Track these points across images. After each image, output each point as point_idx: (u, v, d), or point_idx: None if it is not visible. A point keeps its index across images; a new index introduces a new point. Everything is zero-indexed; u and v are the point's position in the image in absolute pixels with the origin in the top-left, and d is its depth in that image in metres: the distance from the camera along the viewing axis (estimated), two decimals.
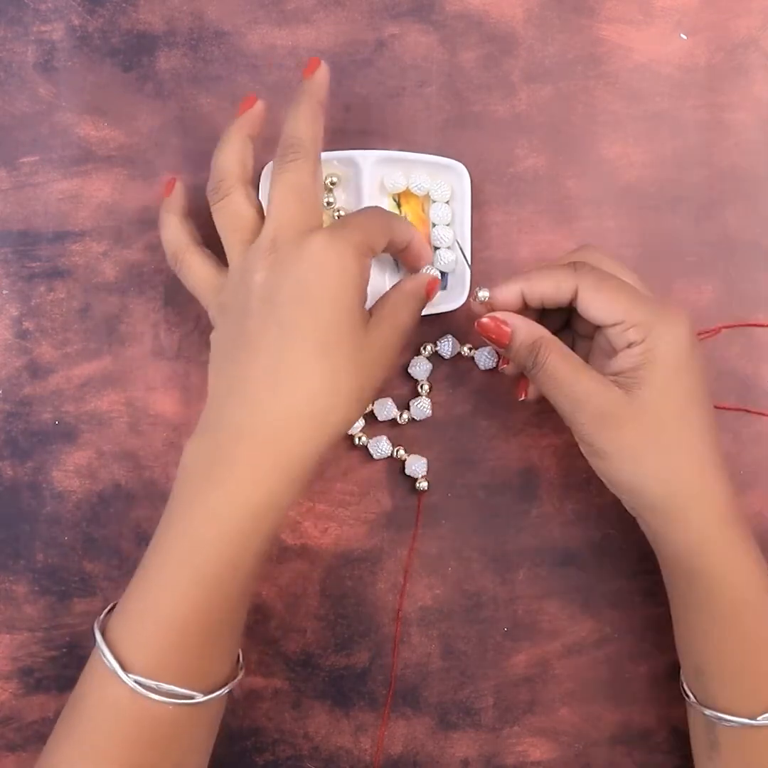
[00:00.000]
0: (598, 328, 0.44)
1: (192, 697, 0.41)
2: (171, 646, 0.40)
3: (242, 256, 0.44)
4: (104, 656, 0.40)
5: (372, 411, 0.52)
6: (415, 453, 0.52)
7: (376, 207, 0.48)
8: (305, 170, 0.44)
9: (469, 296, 0.50)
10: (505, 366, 0.49)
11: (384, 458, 0.52)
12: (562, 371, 0.43)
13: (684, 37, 0.53)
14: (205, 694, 0.41)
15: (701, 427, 0.43)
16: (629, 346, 0.42)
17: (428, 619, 0.53)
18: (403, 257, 0.49)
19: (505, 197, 0.53)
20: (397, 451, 0.52)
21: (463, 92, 0.53)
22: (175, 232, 0.48)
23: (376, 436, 0.52)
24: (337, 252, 0.42)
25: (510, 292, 0.45)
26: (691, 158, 0.53)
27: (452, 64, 0.53)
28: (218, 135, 0.52)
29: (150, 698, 0.40)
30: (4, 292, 0.52)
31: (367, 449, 0.52)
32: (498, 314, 0.44)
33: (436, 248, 0.52)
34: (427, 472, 0.52)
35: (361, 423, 0.52)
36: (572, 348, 0.48)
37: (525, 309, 0.45)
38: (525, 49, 0.53)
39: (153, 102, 0.53)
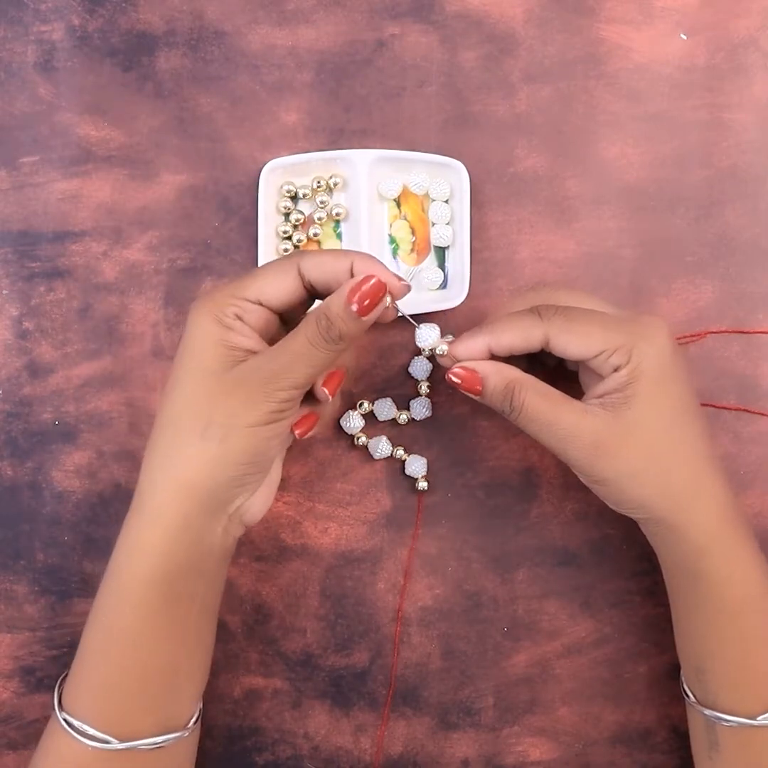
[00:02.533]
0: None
1: (108, 742, 0.42)
2: (99, 694, 0.43)
3: None
4: (54, 709, 0.44)
5: (372, 411, 0.52)
6: (415, 453, 0.52)
7: (274, 261, 0.44)
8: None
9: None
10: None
11: (384, 458, 0.52)
12: (542, 412, 0.42)
13: (684, 37, 0.53)
14: (122, 741, 0.42)
15: (694, 431, 0.43)
16: (616, 369, 0.42)
17: (428, 619, 0.53)
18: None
19: (505, 197, 0.53)
20: (397, 451, 0.52)
21: (463, 92, 0.53)
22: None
23: (376, 436, 0.52)
24: (192, 317, 0.42)
25: (475, 346, 0.44)
26: (691, 158, 0.53)
27: (452, 64, 0.53)
28: (218, 135, 0.53)
29: (71, 736, 0.42)
30: (4, 292, 0.52)
31: (367, 449, 0.52)
32: (466, 363, 0.44)
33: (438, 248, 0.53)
34: (427, 472, 0.52)
35: (360, 423, 0.52)
36: (560, 366, 0.48)
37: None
38: (525, 49, 0.53)
39: (153, 102, 0.53)
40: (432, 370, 0.52)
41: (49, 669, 0.52)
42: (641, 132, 0.53)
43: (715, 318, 0.53)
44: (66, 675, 0.45)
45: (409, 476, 0.52)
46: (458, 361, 0.44)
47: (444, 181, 0.52)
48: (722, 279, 0.53)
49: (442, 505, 0.53)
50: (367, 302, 0.41)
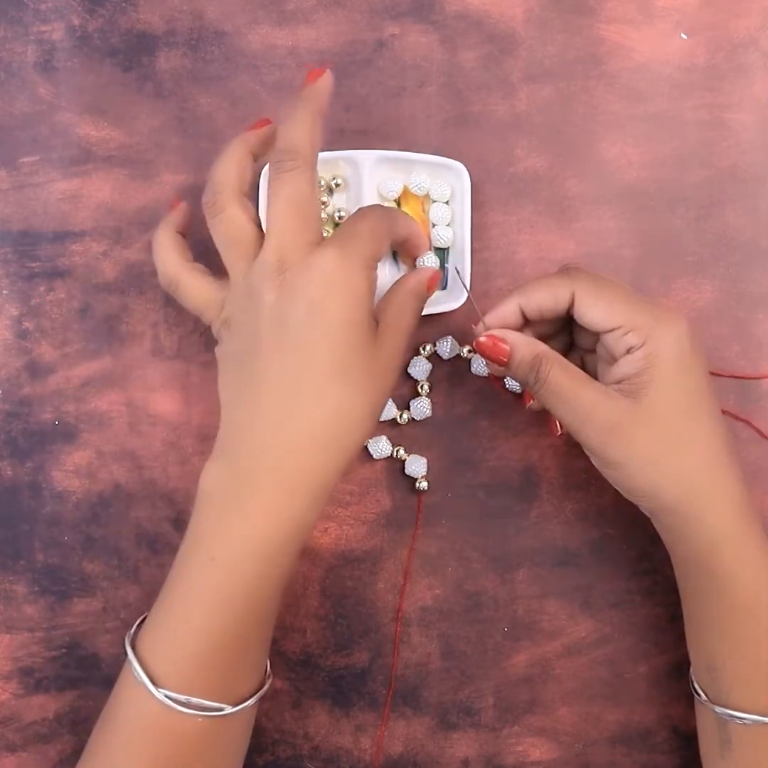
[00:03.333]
0: (598, 338, 0.44)
1: (221, 709, 0.41)
2: (202, 662, 0.41)
3: (245, 273, 0.43)
4: (135, 671, 0.41)
5: None
6: (415, 453, 0.52)
7: (376, 208, 0.46)
8: (304, 180, 0.42)
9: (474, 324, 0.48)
10: (531, 402, 0.48)
11: (384, 458, 0.52)
12: (565, 386, 0.43)
13: (684, 37, 0.53)
14: (234, 706, 0.42)
15: (710, 424, 0.43)
16: (629, 351, 0.42)
17: (428, 619, 0.53)
18: (402, 248, 0.49)
19: (505, 197, 0.53)
20: (397, 451, 0.52)
21: (463, 92, 0.53)
22: (166, 253, 0.46)
23: (376, 436, 0.52)
24: (347, 269, 0.41)
25: (507, 308, 0.44)
26: (691, 158, 0.53)
27: (452, 64, 0.53)
28: (218, 135, 0.53)
29: (180, 712, 0.40)
30: (4, 292, 0.52)
31: (367, 449, 0.52)
32: (496, 332, 0.44)
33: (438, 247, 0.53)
34: (427, 472, 0.52)
35: None
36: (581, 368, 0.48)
37: (525, 327, 0.45)
38: (525, 49, 0.53)
39: (153, 102, 0.53)
40: (432, 370, 0.52)
41: (48, 670, 0.52)
42: (641, 132, 0.53)
43: (715, 318, 0.53)
44: (139, 624, 0.43)
45: (409, 476, 0.52)
46: (488, 328, 0.44)
47: (444, 182, 0.52)
48: (722, 279, 0.53)
49: (442, 505, 0.53)
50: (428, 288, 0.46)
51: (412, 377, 0.53)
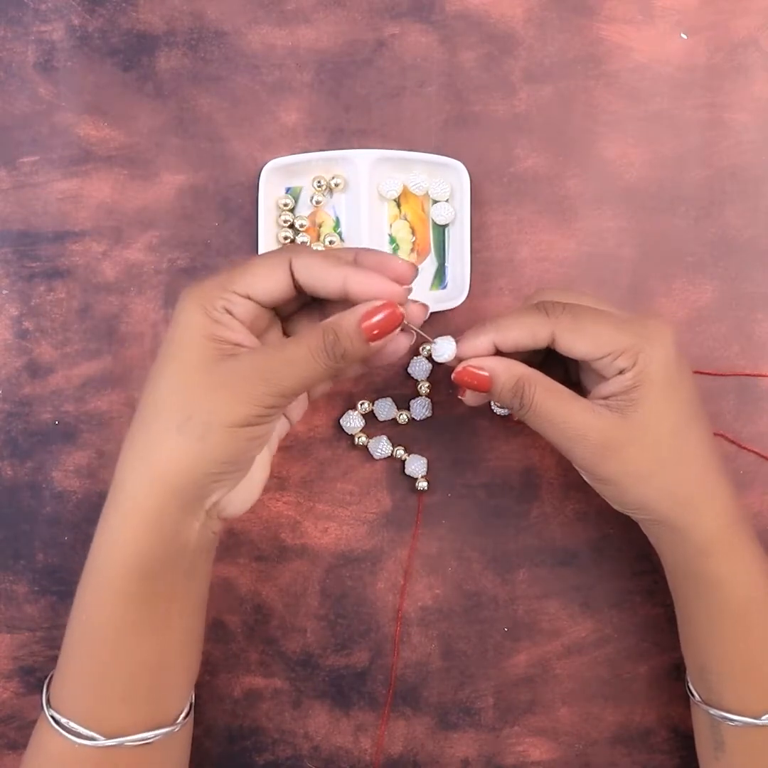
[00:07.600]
0: None
1: (94, 739, 0.42)
2: (81, 688, 0.43)
3: None
4: (42, 702, 0.44)
5: (372, 411, 0.52)
6: (415, 453, 0.52)
7: (267, 253, 0.43)
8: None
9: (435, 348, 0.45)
10: (462, 396, 0.46)
11: (384, 458, 0.52)
12: (551, 409, 0.42)
13: (684, 37, 0.53)
14: (108, 738, 0.42)
15: (699, 435, 0.43)
16: (620, 372, 0.42)
17: (428, 619, 0.53)
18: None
19: (505, 197, 0.53)
20: (397, 451, 0.52)
21: (463, 92, 0.53)
22: None
23: (376, 436, 0.52)
24: (180, 306, 0.41)
25: (480, 344, 0.43)
26: (691, 158, 0.53)
27: (452, 64, 0.53)
28: (218, 135, 0.53)
29: (59, 733, 0.42)
30: (4, 292, 0.53)
31: (367, 449, 0.52)
32: (472, 361, 0.43)
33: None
34: (427, 472, 0.52)
35: (360, 423, 0.52)
36: (567, 371, 0.47)
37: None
38: (525, 49, 0.53)
39: (153, 102, 0.53)
40: (432, 370, 0.52)
41: (49, 669, 0.52)
42: (641, 132, 0.53)
43: (715, 318, 0.53)
44: (54, 672, 0.45)
45: (409, 476, 0.52)
46: (463, 359, 0.43)
47: (444, 182, 0.52)
48: (722, 279, 0.53)
49: (442, 505, 0.53)
50: (377, 331, 0.40)
51: (412, 377, 0.53)
